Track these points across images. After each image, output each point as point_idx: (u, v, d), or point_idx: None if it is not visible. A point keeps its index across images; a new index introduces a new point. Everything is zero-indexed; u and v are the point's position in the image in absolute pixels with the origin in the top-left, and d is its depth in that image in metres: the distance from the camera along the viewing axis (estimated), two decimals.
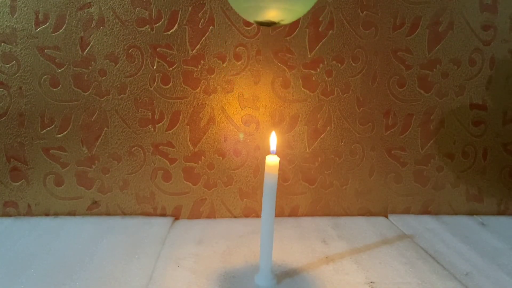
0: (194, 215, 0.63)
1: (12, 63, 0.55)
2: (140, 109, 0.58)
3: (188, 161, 0.60)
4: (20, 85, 0.55)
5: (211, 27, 0.56)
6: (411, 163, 0.65)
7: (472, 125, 0.64)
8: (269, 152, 0.43)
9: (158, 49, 0.56)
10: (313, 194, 0.64)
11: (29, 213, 0.60)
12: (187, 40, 0.56)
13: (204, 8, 0.55)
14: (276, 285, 0.45)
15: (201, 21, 0.55)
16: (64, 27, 0.54)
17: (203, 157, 0.60)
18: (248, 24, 0.56)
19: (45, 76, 0.55)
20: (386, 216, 0.66)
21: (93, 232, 0.56)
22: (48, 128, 0.57)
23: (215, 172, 0.61)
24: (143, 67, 0.56)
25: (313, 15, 0.57)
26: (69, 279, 0.45)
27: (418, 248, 0.55)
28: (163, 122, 0.58)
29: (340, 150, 0.63)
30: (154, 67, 0.56)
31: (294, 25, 0.57)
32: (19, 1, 0.53)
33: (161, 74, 0.57)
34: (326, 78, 0.59)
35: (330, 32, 0.58)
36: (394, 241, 0.57)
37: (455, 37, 0.60)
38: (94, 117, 0.57)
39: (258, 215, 0.64)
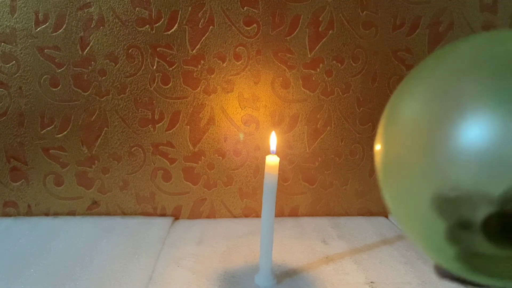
0: (194, 215, 0.63)
1: (12, 63, 0.55)
2: (140, 109, 0.58)
3: (188, 161, 0.60)
4: (20, 85, 0.55)
5: (211, 27, 0.56)
6: None
7: None
8: (269, 152, 0.43)
9: (158, 49, 0.56)
10: (313, 194, 0.64)
11: (29, 213, 0.60)
12: (187, 40, 0.56)
13: (204, 8, 0.55)
14: (276, 285, 0.45)
15: (201, 21, 0.55)
16: (64, 27, 0.54)
17: (203, 157, 0.60)
18: (248, 24, 0.56)
19: (45, 76, 0.55)
20: (386, 216, 0.66)
21: (93, 232, 0.56)
22: (48, 128, 0.57)
23: (215, 172, 0.61)
24: (143, 67, 0.56)
25: (313, 15, 0.57)
26: (69, 279, 0.45)
27: (418, 248, 0.55)
28: (163, 122, 0.58)
29: (340, 150, 0.63)
30: (154, 67, 0.56)
31: (294, 25, 0.57)
32: (19, 1, 0.53)
33: (161, 74, 0.57)
34: (326, 78, 0.59)
35: (330, 32, 0.58)
36: (394, 241, 0.57)
37: (455, 37, 0.60)
38: (94, 117, 0.57)
39: (258, 215, 0.64)
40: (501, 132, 0.16)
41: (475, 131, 0.17)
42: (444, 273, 0.24)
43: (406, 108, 0.21)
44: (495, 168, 0.16)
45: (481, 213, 0.17)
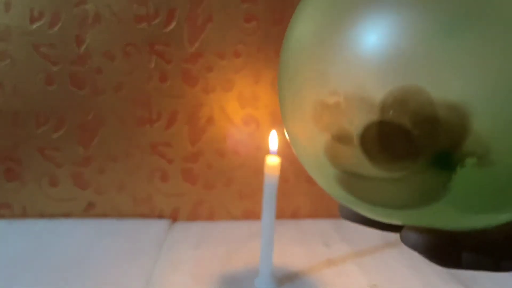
0: (193, 217, 0.62)
1: (6, 61, 0.54)
2: (137, 108, 0.56)
3: (186, 161, 0.59)
4: (15, 84, 0.54)
5: (209, 24, 0.54)
6: None
7: None
8: (269, 152, 0.42)
9: (155, 47, 0.54)
10: (314, 195, 0.63)
11: (24, 214, 0.59)
12: (185, 37, 0.55)
13: (203, 5, 0.54)
14: None
15: (200, 17, 0.54)
16: (59, 24, 0.53)
17: (202, 158, 0.59)
18: (248, 21, 0.55)
19: (40, 74, 0.54)
20: None
21: (89, 235, 0.55)
22: (43, 128, 0.56)
23: (214, 173, 0.60)
24: (140, 65, 0.55)
25: None
26: (64, 282, 0.44)
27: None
28: (160, 121, 0.57)
29: None
30: (152, 65, 0.55)
31: None
32: None
33: (158, 72, 0.55)
34: None
35: None
36: (398, 244, 0.56)
37: None
38: (90, 116, 0.56)
39: (258, 217, 0.63)
40: (388, 29, 0.14)
41: (359, 29, 0.15)
42: (345, 212, 0.22)
43: (300, 24, 0.19)
44: (378, 70, 0.14)
45: (360, 123, 0.15)
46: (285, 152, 0.60)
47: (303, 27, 0.19)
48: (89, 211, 0.60)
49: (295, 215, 0.64)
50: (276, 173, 0.41)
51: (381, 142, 0.15)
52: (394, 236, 0.58)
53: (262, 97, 0.58)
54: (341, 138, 0.16)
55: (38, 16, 0.52)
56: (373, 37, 0.15)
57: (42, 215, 0.59)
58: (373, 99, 0.14)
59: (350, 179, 0.17)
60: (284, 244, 0.54)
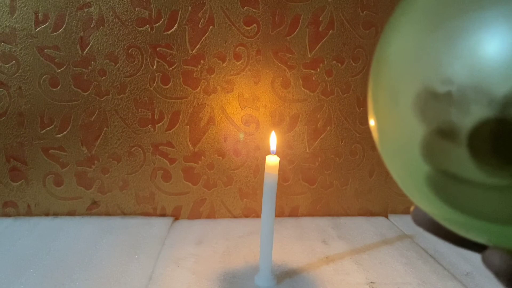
0: (194, 215, 0.63)
1: (11, 63, 0.55)
2: (140, 109, 0.58)
3: (188, 161, 0.60)
4: (20, 85, 0.55)
5: (211, 26, 0.56)
6: None
7: None
8: (269, 152, 0.43)
9: (158, 49, 0.56)
10: (313, 194, 0.64)
11: (29, 213, 0.60)
12: (187, 40, 0.56)
13: (204, 8, 0.55)
14: (276, 285, 0.45)
15: (201, 20, 0.55)
16: (63, 27, 0.54)
17: (203, 157, 0.60)
18: (248, 23, 0.56)
19: (45, 76, 0.55)
20: (386, 216, 0.66)
21: (92, 232, 0.56)
22: (48, 128, 0.57)
23: (215, 172, 0.61)
24: (143, 67, 0.56)
25: (313, 14, 0.57)
26: (68, 279, 0.45)
27: (418, 248, 0.55)
28: (163, 122, 0.58)
29: (340, 150, 0.62)
30: (154, 67, 0.56)
31: (294, 24, 0.57)
32: (18, 1, 0.53)
33: (161, 74, 0.57)
34: (326, 78, 0.59)
35: (330, 32, 0.58)
36: (394, 241, 0.57)
37: None
38: (93, 117, 0.57)
39: (258, 215, 0.64)
40: None
41: (484, 14, 0.13)
42: (420, 218, 0.20)
43: (395, 39, 0.17)
44: (505, 61, 0.12)
45: (472, 118, 0.13)
46: (285, 152, 0.61)
47: (409, 16, 0.17)
48: (93, 209, 0.61)
49: (294, 213, 0.65)
50: (276, 172, 0.42)
51: (495, 142, 0.13)
52: (391, 234, 0.59)
53: (262, 98, 0.59)
54: (444, 133, 0.14)
55: (42, 19, 0.54)
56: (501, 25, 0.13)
57: (47, 213, 0.61)
58: (494, 92, 0.12)
59: (444, 181, 0.15)
60: (284, 242, 0.55)
